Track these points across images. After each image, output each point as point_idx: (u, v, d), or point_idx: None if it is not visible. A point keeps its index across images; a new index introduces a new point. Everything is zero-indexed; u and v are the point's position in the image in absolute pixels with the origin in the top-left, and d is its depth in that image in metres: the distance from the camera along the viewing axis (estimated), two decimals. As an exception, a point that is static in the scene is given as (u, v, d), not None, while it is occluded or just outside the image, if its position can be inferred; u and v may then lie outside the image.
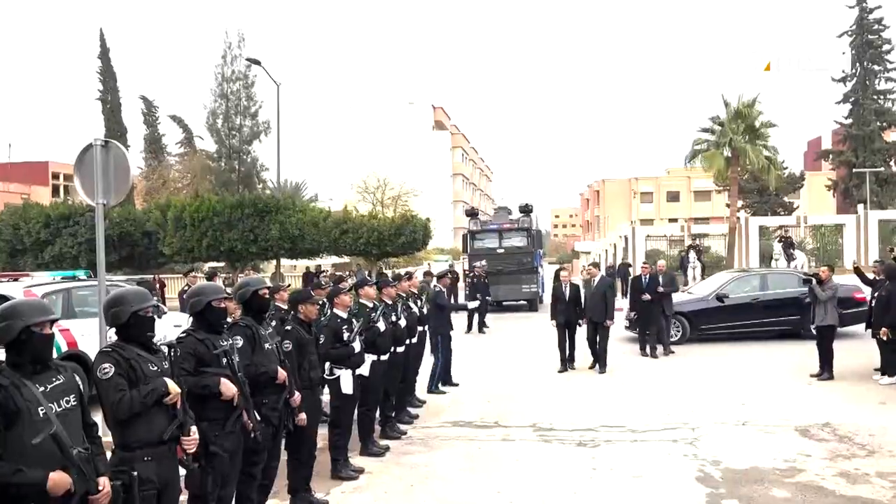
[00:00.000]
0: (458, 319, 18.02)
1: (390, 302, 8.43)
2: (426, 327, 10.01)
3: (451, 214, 69.04)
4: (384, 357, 8.02)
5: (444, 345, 10.83)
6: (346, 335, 7.10)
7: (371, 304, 8.01)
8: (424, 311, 9.72)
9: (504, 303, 26.41)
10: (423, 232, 28.03)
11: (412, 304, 9.19)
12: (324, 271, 15.26)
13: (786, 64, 36.51)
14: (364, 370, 7.51)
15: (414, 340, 9.23)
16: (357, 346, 7.29)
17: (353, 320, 7.34)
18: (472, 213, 26.72)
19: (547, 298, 20.24)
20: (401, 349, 8.75)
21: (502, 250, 25.85)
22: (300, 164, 55.04)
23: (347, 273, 22.92)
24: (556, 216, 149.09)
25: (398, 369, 8.66)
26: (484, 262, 22.54)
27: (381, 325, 7.95)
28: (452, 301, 18.28)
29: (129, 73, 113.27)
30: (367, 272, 25.37)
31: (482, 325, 19.32)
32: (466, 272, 24.12)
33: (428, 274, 13.89)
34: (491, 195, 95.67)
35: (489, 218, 29.42)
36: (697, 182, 62.66)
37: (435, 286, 10.89)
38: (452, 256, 50.21)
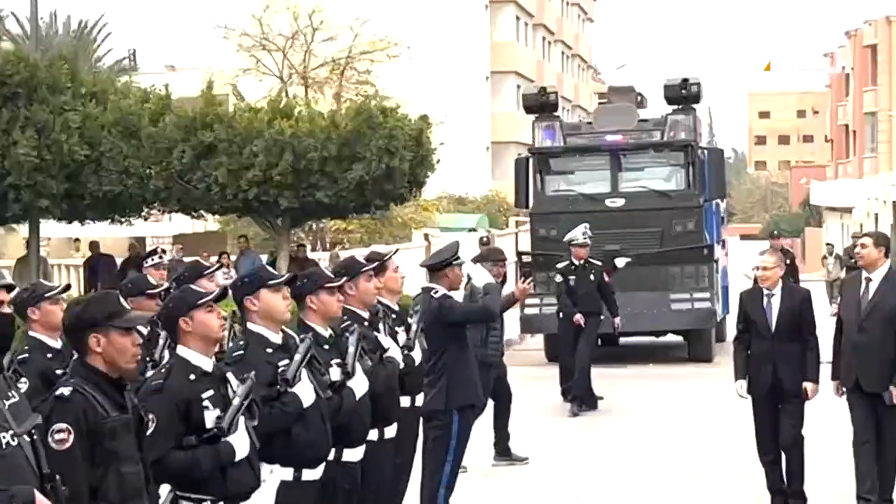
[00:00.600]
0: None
1: (366, 317, 7.75)
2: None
3: (484, 109, 60.00)
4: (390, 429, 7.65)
5: (460, 428, 9.12)
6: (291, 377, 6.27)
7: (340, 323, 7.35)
8: (417, 352, 8.23)
9: (622, 335, 20.05)
10: (416, 153, 22.27)
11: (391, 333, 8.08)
12: (155, 251, 10.83)
13: None
14: (356, 453, 7.02)
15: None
16: (360, 384, 6.94)
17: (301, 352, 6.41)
18: (542, 103, 20.52)
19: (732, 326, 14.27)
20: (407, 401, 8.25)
21: (617, 201, 19.80)
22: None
23: (219, 257, 17.27)
24: (762, 114, 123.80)
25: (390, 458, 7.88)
26: (584, 232, 16.33)
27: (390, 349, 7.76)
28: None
29: None
30: (271, 255, 23.18)
31: (583, 393, 16.11)
32: (521, 258, 17.34)
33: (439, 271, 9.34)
34: (590, 61, 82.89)
35: (587, 117, 22.68)
36: None
37: (435, 293, 9.06)
38: (489, 218, 42.99)
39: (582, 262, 16.24)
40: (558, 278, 16.36)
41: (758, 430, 10.00)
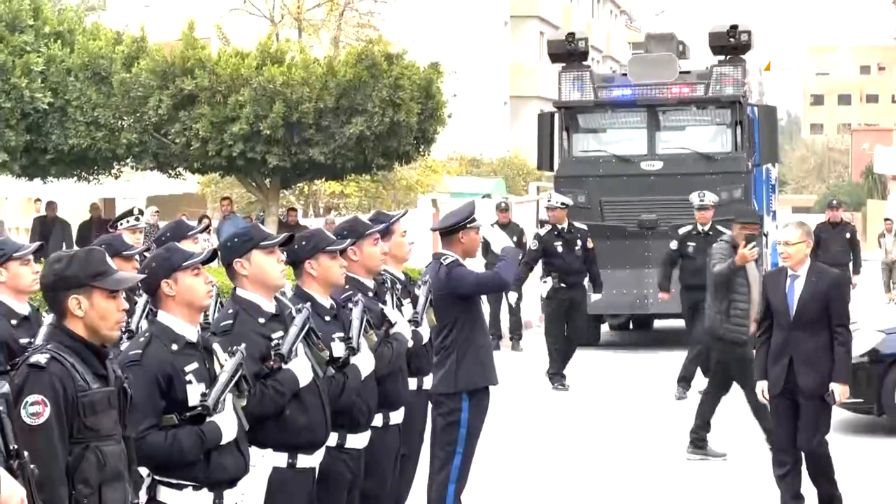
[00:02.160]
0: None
1: (370, 286, 7.85)
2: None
3: (502, 58, 59.70)
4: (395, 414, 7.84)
5: (471, 414, 9.21)
6: (282, 354, 6.34)
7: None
8: (425, 327, 8.34)
9: (656, 318, 21.23)
10: (425, 105, 22.50)
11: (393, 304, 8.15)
12: (131, 212, 10.81)
13: None
14: (360, 440, 7.15)
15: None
16: (365, 361, 7.05)
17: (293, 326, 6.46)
18: (570, 52, 20.70)
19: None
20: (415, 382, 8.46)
21: (655, 164, 20.07)
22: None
23: (199, 222, 17.57)
24: (822, 74, 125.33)
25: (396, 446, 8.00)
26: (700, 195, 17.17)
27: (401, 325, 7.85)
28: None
29: None
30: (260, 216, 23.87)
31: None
32: (540, 226, 17.58)
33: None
34: (623, 6, 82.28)
35: (620, 69, 22.71)
36: None
37: (445, 260, 9.13)
38: (507, 183, 43.12)
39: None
40: (674, 245, 16.96)
41: (775, 434, 9.89)
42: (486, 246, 18.85)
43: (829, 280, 9.59)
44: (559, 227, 17.40)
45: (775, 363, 9.53)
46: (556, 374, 17.26)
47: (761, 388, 9.70)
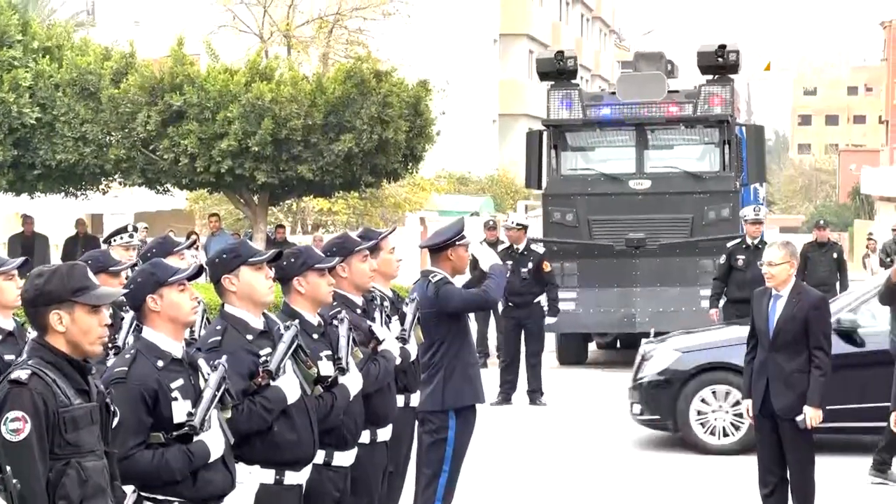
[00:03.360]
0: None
1: (359, 303, 7.88)
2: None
3: (491, 76, 59.91)
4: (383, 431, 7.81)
5: (458, 433, 9.19)
6: (269, 368, 6.28)
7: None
8: (413, 345, 8.31)
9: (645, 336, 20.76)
10: (413, 123, 22.49)
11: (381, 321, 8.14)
12: (125, 228, 10.68)
13: None
14: (348, 457, 7.13)
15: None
16: (354, 381, 7.04)
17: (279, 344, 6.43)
18: (559, 70, 20.75)
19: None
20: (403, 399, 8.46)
21: (643, 183, 20.05)
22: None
23: (188, 238, 17.67)
24: (807, 90, 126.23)
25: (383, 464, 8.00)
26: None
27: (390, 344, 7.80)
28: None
29: None
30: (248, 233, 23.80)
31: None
32: (529, 246, 17.80)
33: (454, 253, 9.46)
34: (612, 25, 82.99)
35: (609, 87, 22.77)
36: None
37: (434, 277, 9.16)
38: (495, 201, 43.09)
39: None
40: (722, 259, 17.32)
41: (758, 454, 9.80)
42: (475, 263, 19.12)
43: (809, 302, 9.50)
44: (514, 246, 17.58)
45: (756, 382, 9.52)
46: (534, 391, 17.41)
47: (745, 407, 9.70)
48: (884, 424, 10.86)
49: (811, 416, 9.31)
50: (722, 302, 17.42)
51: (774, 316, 9.47)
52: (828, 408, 11.67)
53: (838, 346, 12.69)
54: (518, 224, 18.09)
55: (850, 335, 13.22)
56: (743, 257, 16.95)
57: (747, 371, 9.68)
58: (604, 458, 13.60)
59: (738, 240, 17.25)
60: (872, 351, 13.00)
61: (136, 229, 10.24)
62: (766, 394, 9.40)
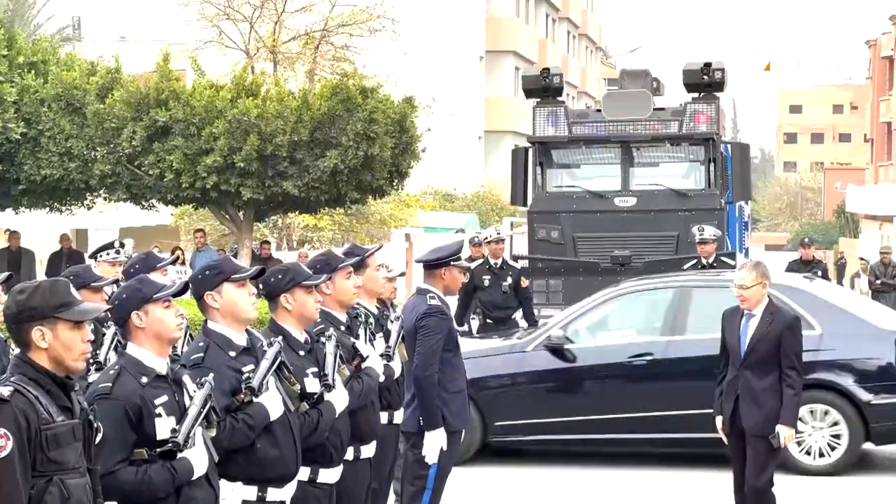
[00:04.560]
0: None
1: (343, 320, 7.87)
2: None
3: (477, 93, 60.07)
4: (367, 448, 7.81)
5: (442, 454, 9.06)
6: (253, 384, 6.26)
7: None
8: (397, 363, 8.48)
9: None
10: (399, 139, 22.56)
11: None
12: (112, 244, 10.60)
13: None
14: (332, 474, 7.09)
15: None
16: (340, 398, 7.05)
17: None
18: (545, 87, 20.58)
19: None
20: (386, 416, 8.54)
21: (629, 200, 19.99)
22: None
23: (172, 253, 17.62)
24: (793, 108, 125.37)
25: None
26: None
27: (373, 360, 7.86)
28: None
29: None
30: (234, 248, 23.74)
31: None
32: (506, 262, 17.98)
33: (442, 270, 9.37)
34: (599, 42, 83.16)
35: (595, 104, 22.80)
36: None
37: (432, 297, 9.13)
38: (480, 218, 43.26)
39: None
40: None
41: (733, 473, 9.79)
42: (467, 284, 19.05)
43: (783, 322, 9.48)
44: (492, 261, 17.61)
45: (726, 401, 9.56)
46: None
47: (718, 424, 9.68)
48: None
49: (785, 434, 9.31)
50: None
51: (747, 334, 9.48)
52: (542, 420, 12.99)
53: (552, 362, 13.67)
54: (498, 236, 18.16)
55: (560, 351, 13.73)
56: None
57: (719, 388, 9.69)
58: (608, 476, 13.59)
59: (694, 260, 17.08)
60: (582, 367, 13.69)
61: (122, 245, 10.22)
62: (734, 412, 9.43)
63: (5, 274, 7.49)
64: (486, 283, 17.39)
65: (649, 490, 12.74)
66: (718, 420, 9.62)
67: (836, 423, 12.98)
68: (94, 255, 10.28)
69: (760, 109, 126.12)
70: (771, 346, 9.34)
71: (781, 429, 9.30)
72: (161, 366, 5.72)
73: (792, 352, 9.40)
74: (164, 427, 5.61)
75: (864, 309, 14.50)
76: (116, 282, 8.04)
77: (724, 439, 9.70)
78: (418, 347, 8.88)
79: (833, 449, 13.26)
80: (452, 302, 9.60)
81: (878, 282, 25.93)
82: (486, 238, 18.19)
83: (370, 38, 42.40)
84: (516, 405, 13.76)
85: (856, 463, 13.35)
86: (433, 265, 9.12)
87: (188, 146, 21.91)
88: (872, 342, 13.40)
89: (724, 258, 17.04)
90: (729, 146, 21.29)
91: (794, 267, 21.51)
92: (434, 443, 8.77)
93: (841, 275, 48.55)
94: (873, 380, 13.28)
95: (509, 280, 17.38)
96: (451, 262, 9.06)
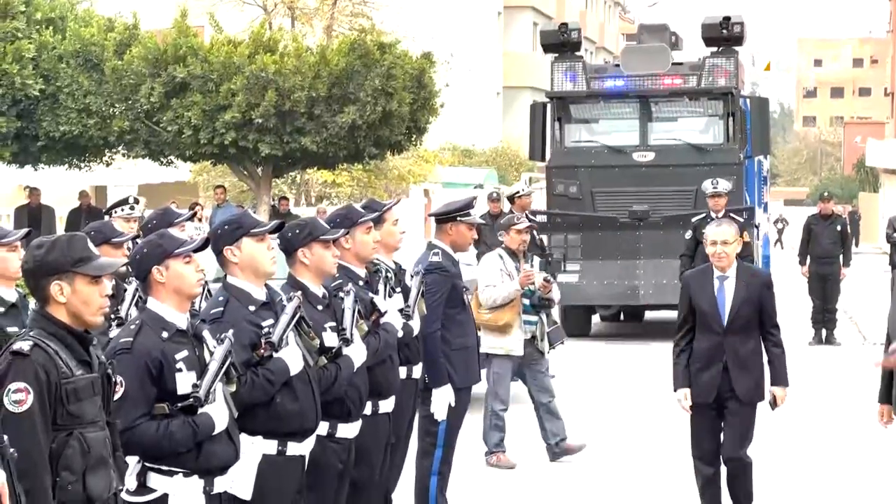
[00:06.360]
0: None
1: (362, 275, 7.82)
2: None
3: (495, 49, 59.69)
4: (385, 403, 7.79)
5: (449, 412, 9.05)
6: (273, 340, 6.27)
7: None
8: (416, 320, 8.33)
9: (647, 309, 21.48)
10: (417, 95, 22.34)
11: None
12: (126, 200, 10.51)
13: None
14: (351, 429, 7.12)
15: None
16: (358, 352, 7.04)
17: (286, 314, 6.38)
18: (563, 42, 20.58)
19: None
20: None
21: (647, 155, 19.99)
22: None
23: (191, 209, 17.51)
24: (817, 60, 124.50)
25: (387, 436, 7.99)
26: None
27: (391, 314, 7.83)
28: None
29: None
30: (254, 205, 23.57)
31: None
32: (531, 218, 17.86)
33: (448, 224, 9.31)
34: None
35: (613, 59, 22.67)
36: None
37: (436, 253, 9.01)
38: (499, 174, 43.13)
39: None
40: (688, 235, 16.94)
41: (696, 444, 9.13)
42: (479, 239, 19.12)
43: (760, 282, 9.04)
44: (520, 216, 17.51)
45: (704, 370, 8.92)
46: None
47: (681, 396, 8.99)
48: None
49: (780, 396, 8.98)
50: None
51: (725, 299, 8.90)
52: None
53: None
54: (528, 189, 18.05)
55: None
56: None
57: (682, 359, 8.99)
58: (619, 428, 13.63)
59: (703, 214, 16.95)
60: None
61: (137, 201, 10.21)
62: (722, 380, 8.85)
63: (25, 230, 7.50)
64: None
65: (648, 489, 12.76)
66: (682, 392, 8.94)
67: None
68: (108, 212, 10.27)
69: (780, 64, 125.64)
70: (752, 308, 8.88)
71: (777, 390, 8.96)
72: (181, 321, 5.73)
73: (773, 310, 9.03)
74: (184, 382, 5.63)
75: None
76: (137, 237, 8.05)
77: (687, 411, 9.01)
78: (432, 299, 8.75)
79: None
80: (464, 258, 9.49)
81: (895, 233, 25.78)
82: (517, 192, 18.02)
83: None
84: None
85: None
86: (440, 220, 9.05)
87: (206, 102, 21.92)
88: None
89: (733, 213, 16.96)
90: (748, 100, 21.24)
91: (812, 221, 21.45)
92: (441, 399, 8.75)
93: (855, 230, 48.44)
94: None
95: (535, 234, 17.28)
96: (458, 218, 8.92)
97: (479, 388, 10.71)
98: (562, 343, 12.13)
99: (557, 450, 11.99)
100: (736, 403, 8.91)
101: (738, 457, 8.98)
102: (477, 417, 12.29)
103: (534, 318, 11.62)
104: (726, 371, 8.85)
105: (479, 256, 16.51)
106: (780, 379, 8.99)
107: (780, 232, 56.89)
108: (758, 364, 8.97)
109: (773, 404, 9.02)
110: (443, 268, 8.81)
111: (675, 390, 9.01)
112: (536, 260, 11.90)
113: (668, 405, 14.34)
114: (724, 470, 9.06)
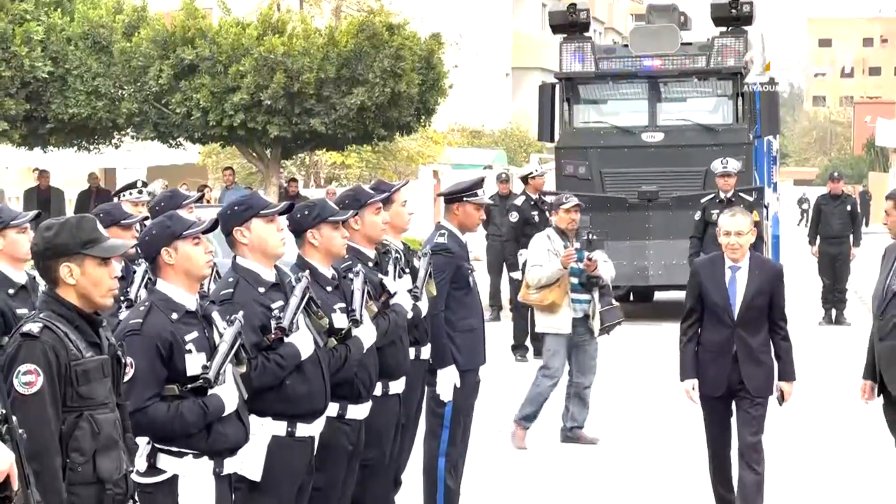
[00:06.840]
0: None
1: (371, 256, 7.83)
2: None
3: (504, 29, 59.47)
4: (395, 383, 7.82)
5: (456, 394, 8.89)
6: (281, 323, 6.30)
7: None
8: (424, 302, 8.26)
9: (657, 290, 21.54)
10: (426, 76, 22.50)
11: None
12: (134, 184, 10.47)
13: None
14: (361, 410, 7.16)
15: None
16: (368, 333, 7.03)
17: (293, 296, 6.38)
18: (572, 22, 20.68)
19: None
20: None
21: (656, 136, 19.98)
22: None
23: (201, 189, 17.54)
24: (823, 42, 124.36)
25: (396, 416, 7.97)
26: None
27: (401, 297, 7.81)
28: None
29: None
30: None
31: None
32: (543, 198, 17.65)
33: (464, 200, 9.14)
34: None
35: (622, 40, 22.57)
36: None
37: (442, 234, 8.94)
38: (508, 154, 42.98)
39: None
40: (697, 216, 17.01)
41: (711, 440, 9.00)
42: (488, 220, 19.19)
43: (772, 273, 8.84)
44: (533, 197, 17.41)
45: (713, 362, 8.75)
46: (518, 347, 17.26)
47: (689, 387, 8.82)
48: None
49: (787, 391, 8.83)
50: None
51: (737, 290, 8.71)
52: None
53: None
54: (542, 170, 18.15)
55: None
56: (717, 212, 16.62)
57: (689, 349, 8.84)
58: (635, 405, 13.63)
59: (712, 195, 17.00)
60: None
61: (145, 184, 10.20)
62: (732, 372, 8.68)
63: (34, 212, 7.50)
64: (537, 218, 17.03)
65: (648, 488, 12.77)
66: (690, 383, 8.79)
67: None
68: (116, 195, 10.29)
69: (789, 43, 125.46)
70: (764, 300, 8.70)
71: (784, 385, 8.81)
72: (191, 302, 5.74)
73: (783, 303, 8.85)
74: (194, 363, 5.64)
75: None
76: (146, 219, 8.06)
77: (697, 403, 8.85)
78: (439, 279, 8.69)
79: None
80: (472, 238, 9.43)
81: None
82: (530, 173, 18.00)
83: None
84: None
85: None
86: (448, 200, 8.96)
87: (215, 84, 21.92)
88: None
89: (742, 193, 16.93)
90: (767, 83, 21.19)
91: (822, 201, 21.42)
92: (446, 380, 8.69)
93: (866, 210, 48.30)
94: None
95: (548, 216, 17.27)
96: (465, 198, 8.79)
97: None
98: (619, 324, 12.15)
99: (570, 434, 12.03)
100: (747, 395, 8.76)
101: (753, 442, 8.77)
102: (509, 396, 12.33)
103: (585, 297, 11.73)
104: (736, 363, 8.70)
105: (488, 237, 16.51)
106: (787, 374, 8.85)
107: (804, 213, 56.72)
108: (767, 357, 8.82)
109: (781, 399, 8.89)
110: (447, 249, 8.70)
111: (681, 380, 8.87)
112: (581, 239, 11.90)
113: (678, 388, 14.39)
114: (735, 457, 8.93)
